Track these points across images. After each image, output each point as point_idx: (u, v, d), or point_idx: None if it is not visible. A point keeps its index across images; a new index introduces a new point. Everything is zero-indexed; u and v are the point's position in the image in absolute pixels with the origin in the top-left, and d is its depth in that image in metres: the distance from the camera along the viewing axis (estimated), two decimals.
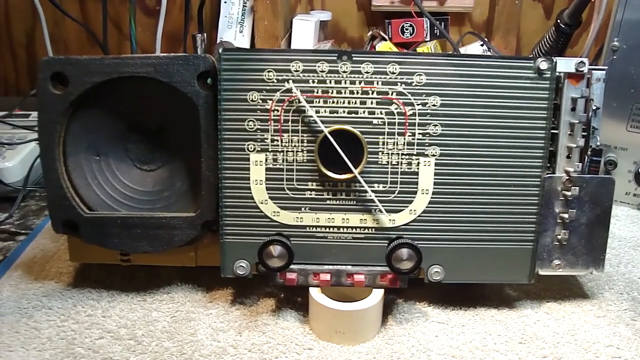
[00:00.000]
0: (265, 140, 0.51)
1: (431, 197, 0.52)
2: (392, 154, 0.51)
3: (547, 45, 0.91)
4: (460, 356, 0.49)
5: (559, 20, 0.89)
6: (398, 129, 0.51)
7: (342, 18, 1.12)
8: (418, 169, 0.51)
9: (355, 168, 0.50)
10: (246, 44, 1.03)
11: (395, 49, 1.02)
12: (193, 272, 0.58)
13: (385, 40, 1.04)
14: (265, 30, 0.98)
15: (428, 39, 1.05)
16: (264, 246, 0.51)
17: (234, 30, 1.03)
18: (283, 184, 0.52)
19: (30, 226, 0.71)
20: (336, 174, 0.51)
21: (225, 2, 1.03)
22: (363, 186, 0.51)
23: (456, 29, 1.11)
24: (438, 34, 1.04)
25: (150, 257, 0.56)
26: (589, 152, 0.53)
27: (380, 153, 0.51)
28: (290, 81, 0.50)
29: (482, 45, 0.99)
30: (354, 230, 0.52)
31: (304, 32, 0.98)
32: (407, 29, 1.05)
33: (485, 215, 0.52)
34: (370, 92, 0.50)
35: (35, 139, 0.80)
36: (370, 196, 0.51)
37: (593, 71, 0.52)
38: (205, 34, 0.96)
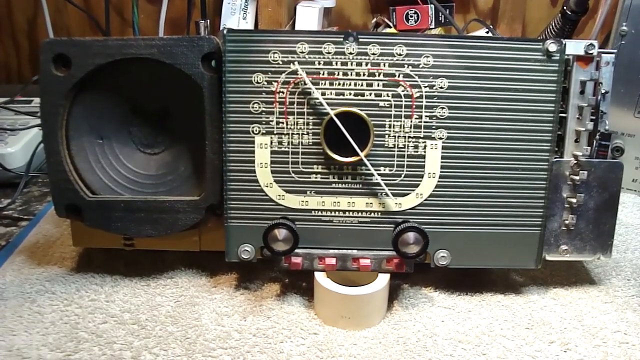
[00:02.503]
0: (271, 123, 0.50)
1: (438, 181, 0.51)
2: (398, 136, 0.50)
3: (553, 33, 0.91)
4: (466, 341, 0.49)
5: (565, 7, 0.88)
6: (405, 111, 0.50)
7: (346, 5, 1.12)
8: (425, 152, 0.51)
9: (362, 151, 0.50)
10: None
11: None
12: (197, 256, 0.58)
13: (390, 27, 1.03)
14: (269, 16, 0.98)
15: (433, 26, 1.04)
16: (269, 230, 0.50)
17: (237, 17, 1.02)
18: (288, 167, 0.51)
19: (33, 212, 0.70)
20: (342, 157, 0.50)
21: None
22: (369, 169, 0.50)
23: (461, 17, 1.10)
24: (443, 21, 1.03)
25: (154, 242, 0.56)
26: (597, 136, 0.52)
27: (386, 136, 0.50)
28: (296, 63, 0.49)
29: (487, 32, 0.98)
30: (359, 214, 0.52)
31: (308, 18, 0.97)
32: (411, 16, 1.04)
33: (492, 199, 0.52)
34: (376, 74, 0.50)
35: (38, 125, 0.79)
36: (376, 179, 0.51)
37: (602, 54, 0.52)
38: (208, 21, 0.95)
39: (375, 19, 1.06)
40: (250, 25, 1.01)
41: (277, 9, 0.97)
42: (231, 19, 1.02)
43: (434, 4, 0.99)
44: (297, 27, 0.98)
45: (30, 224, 0.67)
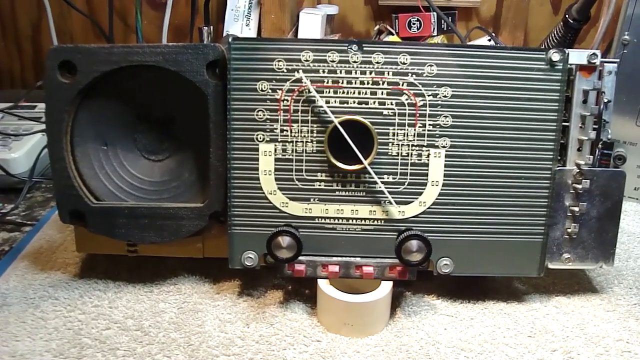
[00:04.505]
0: (275, 131, 0.51)
1: (441, 189, 0.51)
2: (402, 145, 0.51)
3: (555, 41, 0.91)
4: (469, 349, 0.49)
5: (567, 16, 0.88)
6: (408, 119, 0.50)
7: (349, 12, 1.12)
8: (428, 160, 0.51)
9: (365, 159, 0.50)
10: None
11: None
12: (200, 263, 0.58)
13: (392, 34, 1.03)
14: (272, 23, 0.98)
15: (435, 33, 1.04)
16: (272, 237, 0.50)
17: (240, 24, 1.02)
18: (292, 175, 0.51)
19: (37, 217, 0.70)
20: (346, 164, 0.50)
21: None
22: (373, 177, 0.51)
23: (463, 24, 1.10)
24: (445, 28, 1.04)
25: (158, 248, 0.56)
26: (599, 145, 0.53)
27: (390, 144, 0.51)
28: (300, 71, 0.50)
29: (489, 40, 0.99)
30: (363, 222, 0.52)
31: (311, 25, 0.98)
32: (414, 24, 1.04)
33: (495, 207, 0.52)
34: (380, 82, 0.50)
35: (41, 130, 0.80)
36: (379, 187, 0.51)
37: (605, 63, 0.52)
38: (211, 27, 0.96)
39: (377, 26, 1.06)
40: (253, 32, 1.02)
41: (281, 16, 0.97)
42: (234, 26, 1.02)
43: (436, 11, 0.99)
44: (300, 34, 0.98)
45: (34, 229, 0.67)
